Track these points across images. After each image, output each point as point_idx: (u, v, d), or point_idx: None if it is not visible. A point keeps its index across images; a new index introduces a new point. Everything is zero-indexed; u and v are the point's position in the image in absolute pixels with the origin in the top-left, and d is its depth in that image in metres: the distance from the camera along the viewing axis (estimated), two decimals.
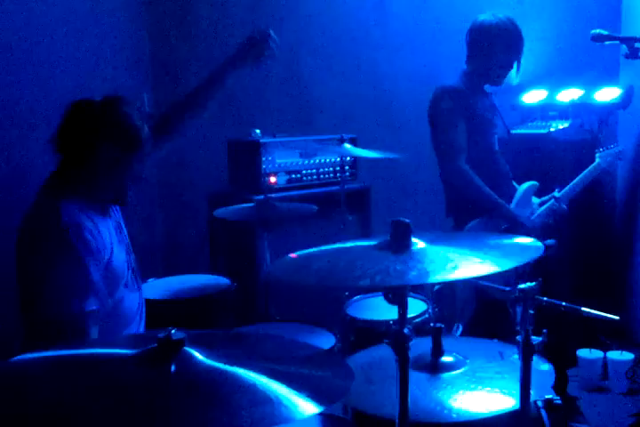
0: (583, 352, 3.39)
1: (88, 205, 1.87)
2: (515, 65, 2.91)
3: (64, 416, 0.92)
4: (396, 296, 1.21)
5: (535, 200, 3.05)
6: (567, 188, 3.00)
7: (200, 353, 1.02)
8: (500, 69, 2.91)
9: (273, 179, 3.39)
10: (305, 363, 1.10)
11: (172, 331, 1.02)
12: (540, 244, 1.37)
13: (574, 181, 2.99)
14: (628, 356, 3.36)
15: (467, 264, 1.20)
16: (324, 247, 1.44)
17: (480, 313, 3.03)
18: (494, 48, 2.86)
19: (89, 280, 1.75)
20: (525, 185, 3.00)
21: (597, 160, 3.01)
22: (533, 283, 1.32)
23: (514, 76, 2.97)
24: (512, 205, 2.93)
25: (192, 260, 3.57)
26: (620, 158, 3.16)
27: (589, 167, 3.03)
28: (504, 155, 3.07)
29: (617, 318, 1.41)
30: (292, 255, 1.32)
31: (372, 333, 2.32)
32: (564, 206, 2.98)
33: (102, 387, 0.99)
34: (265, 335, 1.46)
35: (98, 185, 1.89)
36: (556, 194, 2.97)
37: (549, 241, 2.89)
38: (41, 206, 1.82)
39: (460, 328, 3.58)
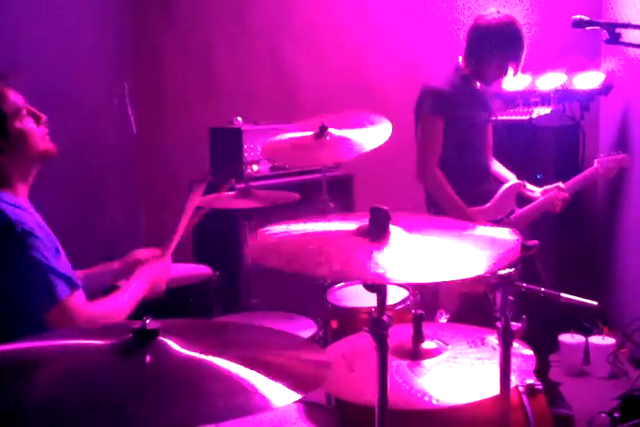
0: (565, 337, 3.42)
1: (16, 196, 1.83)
2: (510, 69, 2.86)
3: (38, 408, 0.91)
4: (375, 284, 1.21)
5: (537, 190, 3.00)
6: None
7: (175, 343, 1.01)
8: (492, 72, 2.88)
9: (255, 167, 3.37)
10: (282, 351, 1.10)
11: (147, 321, 1.01)
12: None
13: (566, 184, 2.94)
14: (609, 341, 3.39)
15: (437, 267, 1.20)
16: (306, 225, 1.42)
17: (464, 306, 3.04)
18: (489, 51, 2.81)
19: (53, 271, 1.71)
20: (508, 184, 2.98)
21: (595, 165, 2.93)
22: (512, 269, 1.32)
23: (509, 79, 2.92)
24: (488, 205, 2.92)
25: (174, 248, 3.55)
26: (622, 166, 2.98)
27: (585, 172, 2.95)
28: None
29: (595, 303, 1.42)
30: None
31: (354, 320, 2.32)
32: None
33: (77, 378, 0.98)
34: (242, 324, 1.45)
35: (22, 168, 1.83)
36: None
37: (532, 242, 2.88)
38: None
39: (444, 315, 3.61)
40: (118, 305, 1.89)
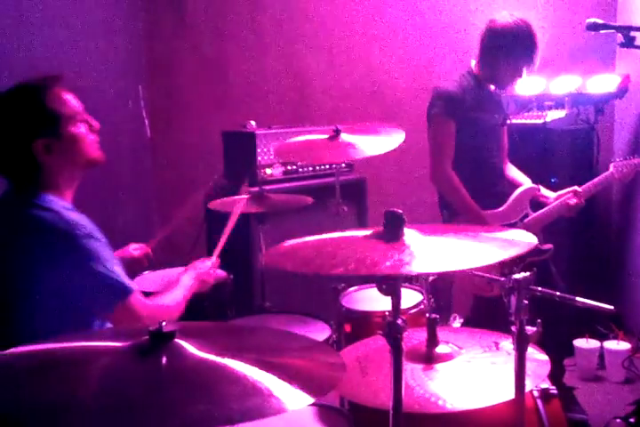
0: (580, 342, 3.40)
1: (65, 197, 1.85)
2: (524, 71, 2.85)
3: (55, 409, 0.92)
4: (389, 287, 1.21)
5: (552, 194, 2.99)
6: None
7: (191, 345, 1.02)
8: (507, 75, 2.87)
9: (268, 170, 3.38)
10: (297, 354, 1.10)
11: (163, 323, 1.02)
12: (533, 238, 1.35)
13: (581, 188, 2.91)
14: (624, 345, 3.37)
15: (452, 257, 1.20)
16: (323, 236, 1.44)
17: (478, 309, 3.04)
18: (504, 54, 2.80)
19: (114, 273, 1.74)
20: (523, 188, 2.96)
21: (611, 169, 2.90)
22: (527, 273, 1.31)
23: (523, 80, 2.91)
24: (502, 208, 2.92)
25: (188, 252, 3.57)
26: (639, 170, 2.93)
27: (601, 176, 2.93)
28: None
29: (611, 307, 1.41)
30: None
31: (368, 324, 2.32)
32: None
33: (93, 380, 0.98)
34: (257, 327, 1.46)
35: (69, 172, 1.85)
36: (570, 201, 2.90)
37: (546, 246, 2.88)
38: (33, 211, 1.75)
39: (458, 319, 3.60)
40: (174, 301, 1.94)
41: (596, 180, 2.93)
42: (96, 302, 1.75)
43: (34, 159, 1.77)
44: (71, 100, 1.84)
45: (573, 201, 2.88)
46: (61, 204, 1.78)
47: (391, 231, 1.26)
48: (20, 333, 1.73)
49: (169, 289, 1.99)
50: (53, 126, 1.78)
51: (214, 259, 2.28)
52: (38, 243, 1.70)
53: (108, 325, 1.81)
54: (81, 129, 1.84)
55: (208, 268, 2.19)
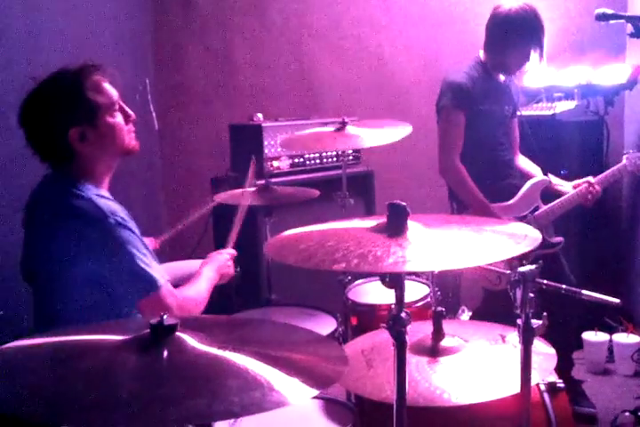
0: (588, 335, 3.38)
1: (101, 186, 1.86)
2: (532, 56, 2.83)
3: (56, 402, 0.92)
4: (393, 280, 1.20)
5: (567, 184, 2.95)
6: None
7: (193, 339, 1.01)
8: (515, 60, 2.85)
9: (275, 163, 3.37)
10: (299, 348, 1.09)
11: (165, 316, 1.01)
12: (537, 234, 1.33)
13: (594, 180, 2.89)
14: (634, 338, 3.35)
15: (455, 255, 1.19)
16: (323, 226, 1.43)
17: (487, 303, 3.03)
18: (511, 38, 2.79)
19: (146, 263, 1.74)
20: (533, 180, 2.94)
21: (624, 161, 2.87)
22: (533, 266, 1.30)
23: (537, 65, 2.89)
24: (512, 201, 2.90)
25: (195, 244, 3.57)
26: None
27: (614, 168, 2.90)
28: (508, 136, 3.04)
29: (617, 300, 1.39)
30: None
31: (374, 317, 2.32)
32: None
33: (94, 372, 0.98)
34: (260, 320, 1.45)
35: (104, 161, 1.86)
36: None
37: (557, 239, 2.86)
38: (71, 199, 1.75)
39: (466, 311, 3.59)
40: (200, 293, 1.93)
41: (608, 172, 2.91)
42: (128, 290, 1.74)
43: (70, 147, 1.77)
44: (109, 90, 1.83)
45: (591, 190, 2.85)
46: (96, 191, 1.79)
47: (394, 224, 1.25)
48: (54, 318, 1.74)
49: (192, 281, 1.97)
50: (91, 115, 1.78)
51: (230, 249, 2.26)
52: (72, 230, 1.71)
53: (134, 313, 1.81)
54: (117, 118, 1.84)
55: (227, 259, 2.17)
